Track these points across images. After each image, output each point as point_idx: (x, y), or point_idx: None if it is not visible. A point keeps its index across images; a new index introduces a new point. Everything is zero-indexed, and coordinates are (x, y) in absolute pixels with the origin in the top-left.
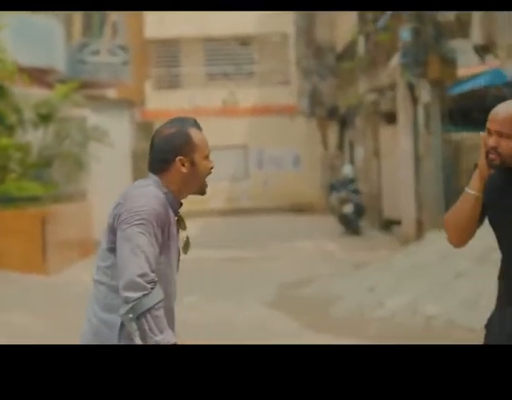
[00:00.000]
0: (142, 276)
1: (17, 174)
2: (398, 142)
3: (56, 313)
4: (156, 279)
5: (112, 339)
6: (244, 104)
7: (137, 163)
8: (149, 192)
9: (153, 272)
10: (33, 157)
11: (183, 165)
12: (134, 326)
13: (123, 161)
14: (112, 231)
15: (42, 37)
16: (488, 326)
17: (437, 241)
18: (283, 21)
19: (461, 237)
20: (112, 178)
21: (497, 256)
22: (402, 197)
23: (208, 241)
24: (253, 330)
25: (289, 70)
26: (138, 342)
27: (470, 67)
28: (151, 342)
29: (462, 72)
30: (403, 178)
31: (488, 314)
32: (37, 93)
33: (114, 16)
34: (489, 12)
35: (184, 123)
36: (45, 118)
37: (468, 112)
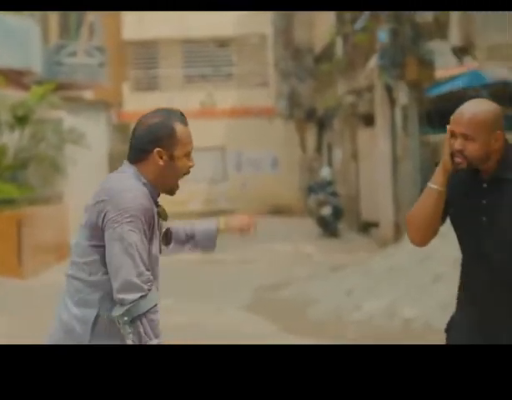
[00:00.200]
0: (138, 276)
1: None
2: (376, 145)
3: (32, 316)
4: (152, 278)
5: (84, 335)
6: (222, 106)
7: (114, 165)
8: (133, 186)
9: (148, 270)
10: (9, 159)
11: (161, 158)
12: (128, 329)
13: (100, 163)
14: (95, 227)
15: (18, 39)
16: (448, 330)
17: None
18: (262, 22)
19: (424, 235)
20: (88, 181)
21: None
22: (380, 199)
23: None
24: (229, 334)
25: (267, 72)
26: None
27: (448, 69)
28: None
29: (440, 73)
30: (381, 181)
31: None
32: (14, 95)
33: (91, 17)
34: (467, 14)
35: (170, 115)
36: (21, 120)
37: (446, 114)
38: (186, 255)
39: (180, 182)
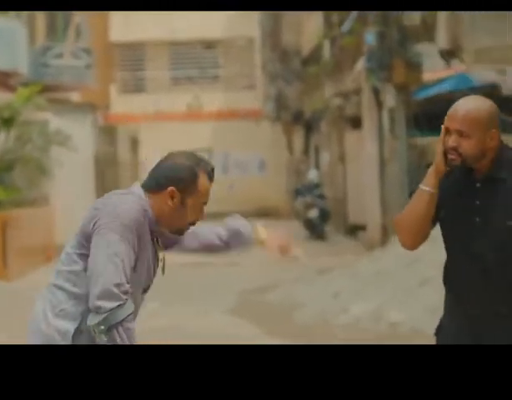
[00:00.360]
0: (118, 285)
1: None
2: (363, 147)
3: (17, 319)
4: (131, 290)
5: None
6: (209, 108)
7: (100, 168)
8: (130, 200)
9: (128, 282)
10: None
11: (172, 198)
12: (104, 338)
13: (86, 165)
14: (85, 236)
15: (4, 40)
16: (437, 333)
17: (402, 246)
18: (249, 24)
19: (415, 239)
20: (74, 183)
21: None
22: (367, 201)
23: None
24: (213, 337)
25: (255, 74)
26: None
27: (436, 72)
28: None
29: (427, 76)
30: (368, 183)
31: None
32: (0, 96)
33: (78, 18)
34: (454, 17)
35: (200, 163)
36: (7, 122)
37: (433, 116)
38: (171, 257)
39: None
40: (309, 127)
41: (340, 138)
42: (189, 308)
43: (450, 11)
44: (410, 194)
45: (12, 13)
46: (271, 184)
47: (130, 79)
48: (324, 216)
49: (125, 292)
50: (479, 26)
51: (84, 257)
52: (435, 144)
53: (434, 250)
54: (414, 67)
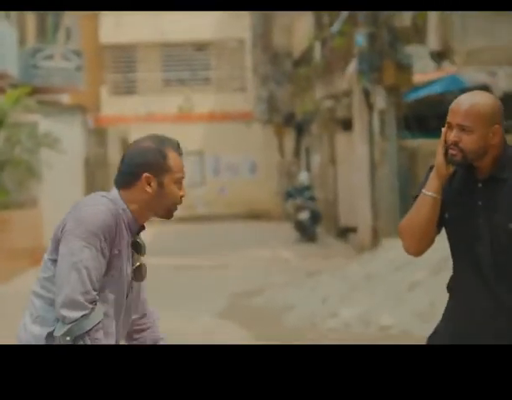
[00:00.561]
0: (83, 294)
1: None
2: (354, 149)
3: (4, 322)
4: (97, 298)
5: None
6: (200, 110)
7: (90, 170)
8: (100, 203)
9: (95, 290)
10: None
11: (149, 184)
12: None
13: (76, 168)
14: (56, 241)
15: None
16: (429, 339)
17: (392, 249)
18: (240, 26)
19: (419, 245)
20: (64, 185)
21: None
22: (358, 204)
23: (160, 248)
24: (202, 341)
25: (246, 76)
26: None
27: (426, 73)
28: None
29: (418, 78)
30: (358, 185)
31: None
32: None
33: (68, 20)
34: (445, 18)
35: (164, 142)
36: None
37: (424, 118)
38: (159, 259)
39: None
40: (300, 129)
41: (331, 140)
42: (177, 312)
43: (441, 11)
44: (400, 197)
45: (1, 14)
46: (262, 186)
47: (121, 81)
48: (315, 218)
49: (91, 301)
50: (469, 27)
51: (55, 262)
52: (426, 146)
53: (425, 253)
54: (405, 68)
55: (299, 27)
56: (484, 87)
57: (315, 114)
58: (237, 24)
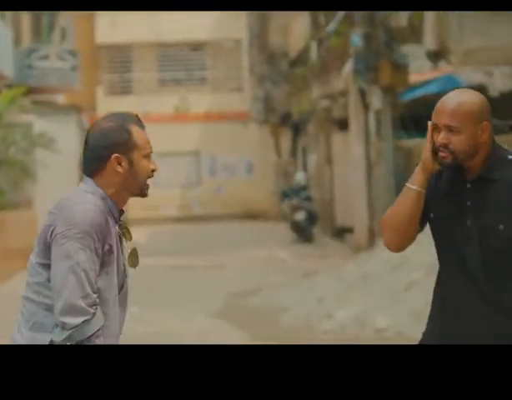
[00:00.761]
0: (83, 298)
1: None
2: (350, 149)
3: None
4: (98, 301)
5: None
6: (197, 110)
7: None
8: (86, 200)
9: (94, 292)
10: None
11: (120, 164)
12: None
13: (71, 168)
14: (45, 244)
15: None
16: (421, 341)
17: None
18: (237, 26)
19: (400, 240)
20: (59, 186)
21: None
22: (354, 204)
23: (156, 248)
24: (197, 341)
25: (242, 76)
26: None
27: (423, 73)
28: None
29: (414, 78)
30: (355, 185)
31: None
32: None
33: (63, 20)
34: (441, 18)
35: (125, 119)
36: None
37: (420, 118)
38: (155, 259)
39: (154, 188)
40: (297, 129)
41: (327, 140)
42: (173, 312)
43: (437, 11)
44: (396, 196)
45: None
46: (259, 186)
47: (117, 81)
48: (312, 218)
49: (92, 305)
50: (466, 27)
51: (47, 267)
52: (422, 146)
53: (421, 253)
54: (401, 68)
55: (296, 27)
56: (481, 87)
57: (311, 114)
58: (233, 24)
